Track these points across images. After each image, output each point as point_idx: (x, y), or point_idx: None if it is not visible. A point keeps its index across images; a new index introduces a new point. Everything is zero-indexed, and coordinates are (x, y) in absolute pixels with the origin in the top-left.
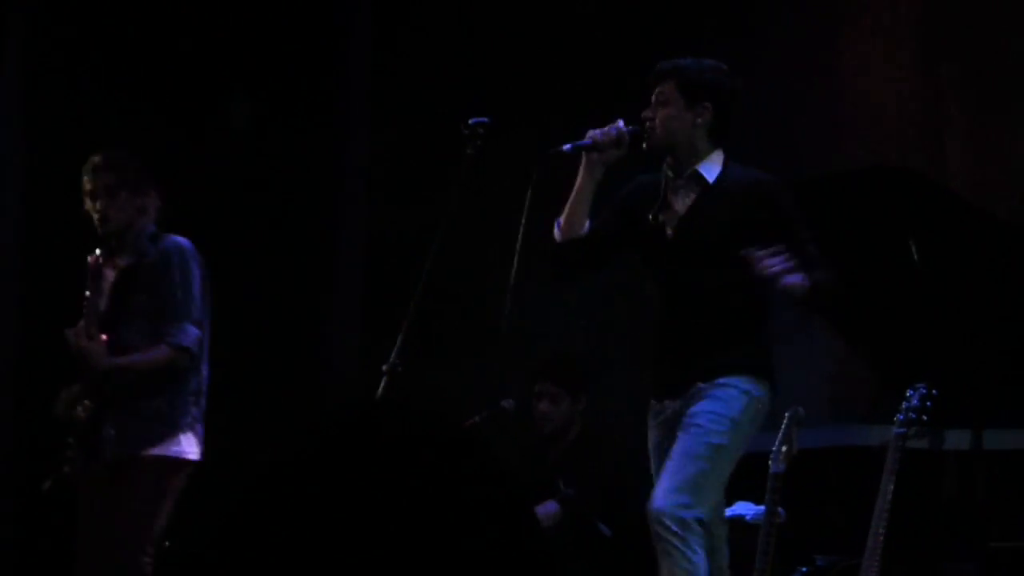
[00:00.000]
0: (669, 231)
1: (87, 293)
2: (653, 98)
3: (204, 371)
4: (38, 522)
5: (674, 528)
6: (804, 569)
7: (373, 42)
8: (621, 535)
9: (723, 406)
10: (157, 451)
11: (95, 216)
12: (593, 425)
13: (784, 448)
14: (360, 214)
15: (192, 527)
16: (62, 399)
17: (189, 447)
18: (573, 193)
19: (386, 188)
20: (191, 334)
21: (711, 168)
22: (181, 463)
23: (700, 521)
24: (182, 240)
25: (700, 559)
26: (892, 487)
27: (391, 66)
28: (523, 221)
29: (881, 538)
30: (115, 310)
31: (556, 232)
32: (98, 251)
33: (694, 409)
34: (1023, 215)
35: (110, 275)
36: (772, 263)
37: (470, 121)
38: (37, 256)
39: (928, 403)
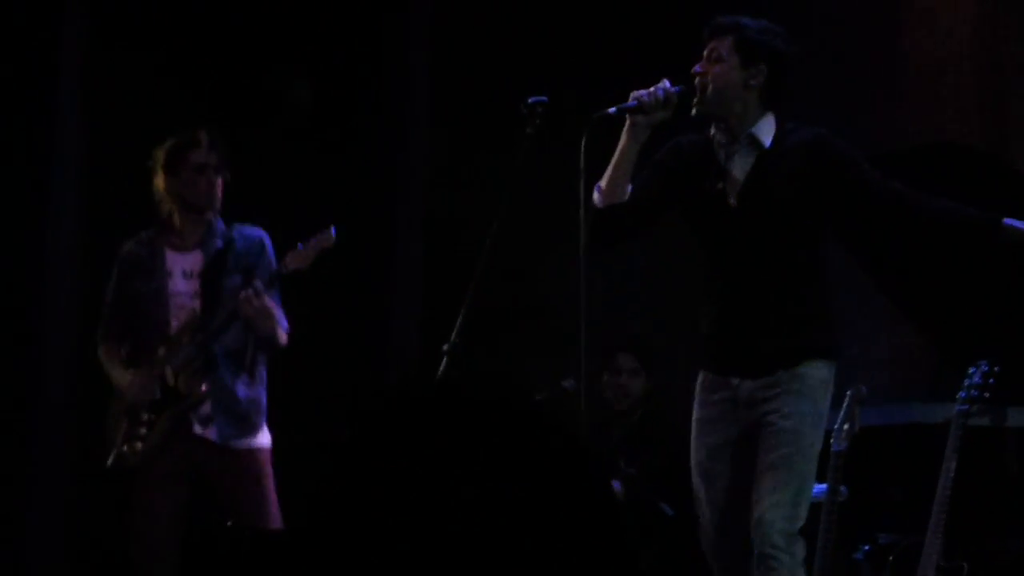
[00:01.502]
0: (732, 200)
1: (138, 279)
2: (706, 53)
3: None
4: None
5: (782, 543)
6: (867, 547)
7: (431, 22)
8: (683, 515)
9: (810, 404)
10: (261, 442)
11: (201, 188)
12: (655, 405)
13: (846, 426)
14: (419, 194)
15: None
16: (132, 383)
17: (268, 437)
18: (615, 156)
19: (445, 168)
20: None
21: (766, 131)
22: (268, 452)
23: (802, 528)
24: (259, 230)
25: (803, 572)
26: (954, 465)
27: (450, 45)
28: (582, 188)
29: (944, 516)
30: (208, 292)
31: (596, 197)
32: (140, 236)
33: (782, 407)
34: None
35: (179, 257)
36: None
37: (528, 100)
38: (96, 242)
39: (990, 380)
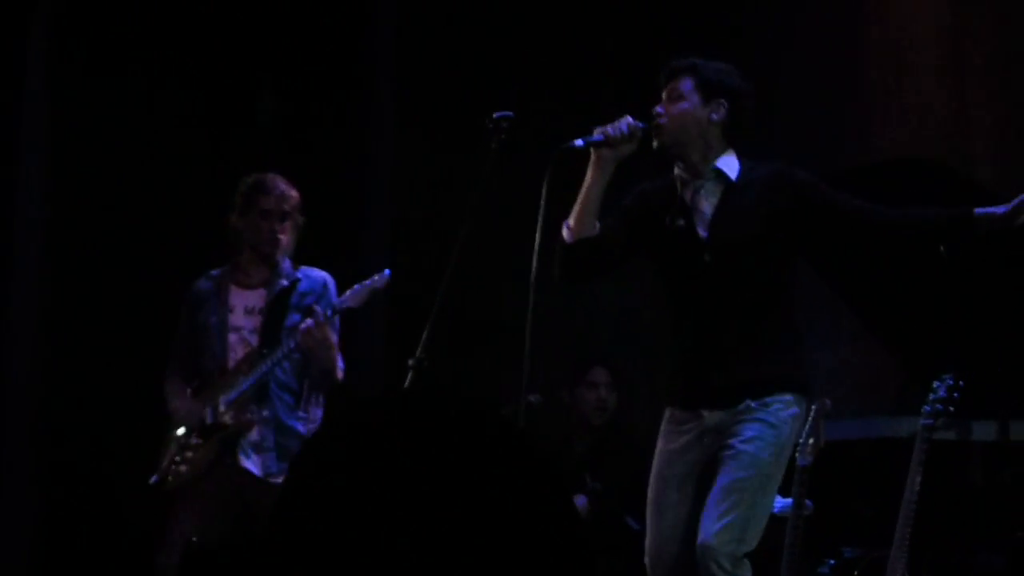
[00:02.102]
0: (702, 232)
1: (203, 312)
2: (665, 94)
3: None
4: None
5: (727, 565)
6: (832, 561)
7: (397, 36)
8: None
9: (773, 433)
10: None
11: (264, 234)
12: (620, 419)
13: (811, 440)
14: (385, 208)
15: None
16: (183, 407)
17: None
18: (582, 191)
19: (412, 181)
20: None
21: (730, 165)
22: None
23: (748, 554)
24: (325, 273)
25: None
26: (919, 478)
27: (416, 60)
28: (540, 219)
29: (909, 529)
30: (268, 328)
31: (565, 232)
32: (213, 273)
33: (744, 432)
34: None
35: (242, 294)
36: None
37: (494, 115)
38: (62, 255)
39: (955, 394)
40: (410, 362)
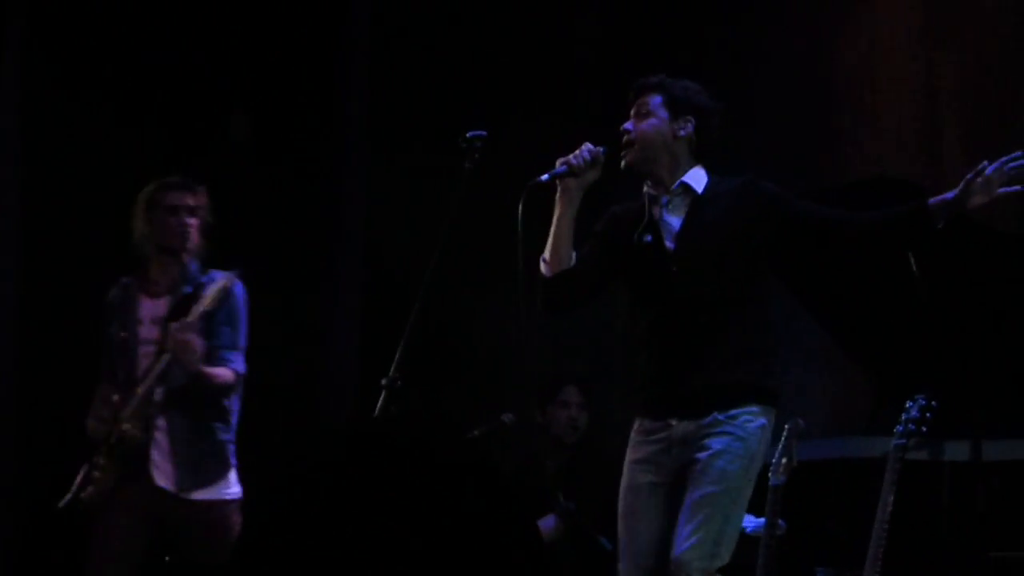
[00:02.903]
0: (669, 244)
1: (115, 324)
2: (633, 111)
3: (237, 411)
4: (42, 538)
5: None
6: None
7: (372, 55)
8: None
9: (741, 445)
10: (222, 494)
11: (173, 229)
12: (592, 438)
13: (784, 460)
14: (359, 228)
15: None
16: (96, 417)
17: (236, 486)
18: (554, 224)
19: (385, 201)
20: (244, 365)
21: (697, 179)
22: (234, 502)
23: (721, 569)
24: (233, 275)
25: None
26: (892, 498)
27: (390, 80)
28: (520, 255)
29: (881, 549)
30: (165, 338)
31: (543, 267)
32: (123, 281)
33: (712, 445)
34: (1021, 226)
35: (150, 303)
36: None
37: (467, 135)
38: (36, 268)
39: (927, 414)
40: (383, 382)
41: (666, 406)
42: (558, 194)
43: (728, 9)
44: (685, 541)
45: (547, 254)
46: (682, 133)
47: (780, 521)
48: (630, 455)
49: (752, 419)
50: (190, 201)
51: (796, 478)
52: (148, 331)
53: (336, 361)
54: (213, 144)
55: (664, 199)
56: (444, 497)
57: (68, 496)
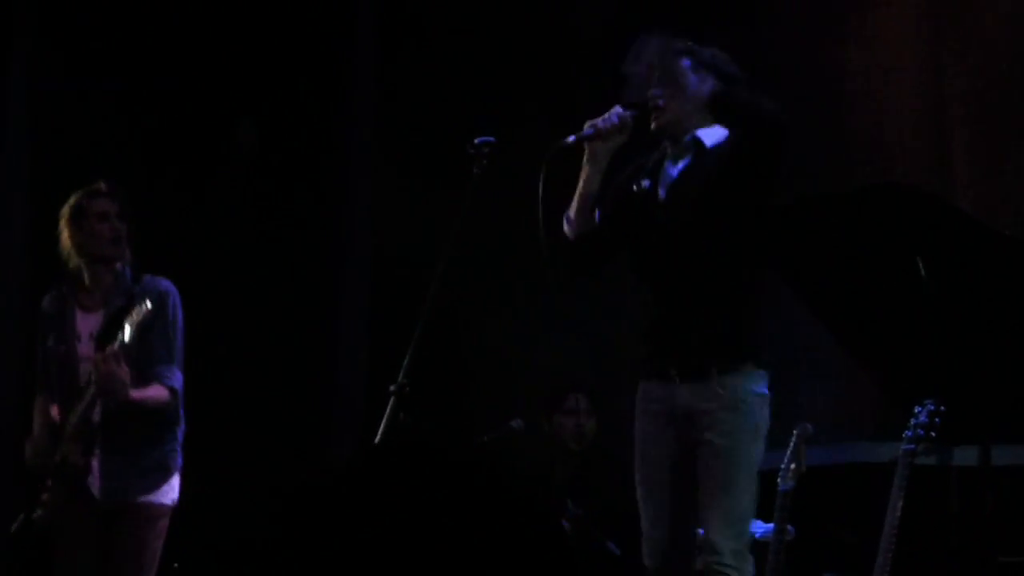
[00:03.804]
0: (661, 192)
1: (51, 337)
2: (656, 76)
3: (183, 417)
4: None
5: (732, 562)
6: None
7: (377, 63)
8: (631, 554)
9: (746, 418)
10: (156, 498)
11: (105, 236)
12: (602, 444)
13: (793, 466)
14: (366, 235)
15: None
16: (34, 444)
17: (177, 491)
18: (580, 185)
19: (393, 208)
20: (179, 378)
21: (711, 135)
22: (172, 508)
23: (749, 544)
24: (167, 282)
25: None
26: (901, 504)
27: (396, 87)
28: (540, 217)
29: (890, 554)
30: (103, 350)
31: (567, 228)
32: (54, 292)
33: (720, 425)
34: None
35: (86, 318)
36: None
37: (475, 140)
38: (41, 282)
39: (936, 419)
40: (391, 388)
41: (663, 359)
42: (585, 157)
43: (735, 14)
44: (712, 525)
45: (571, 212)
46: (705, 88)
47: (789, 527)
48: (638, 423)
49: (749, 386)
50: (116, 208)
51: (805, 483)
52: (86, 347)
53: (344, 368)
54: (220, 151)
55: (674, 151)
56: (460, 505)
57: (20, 518)
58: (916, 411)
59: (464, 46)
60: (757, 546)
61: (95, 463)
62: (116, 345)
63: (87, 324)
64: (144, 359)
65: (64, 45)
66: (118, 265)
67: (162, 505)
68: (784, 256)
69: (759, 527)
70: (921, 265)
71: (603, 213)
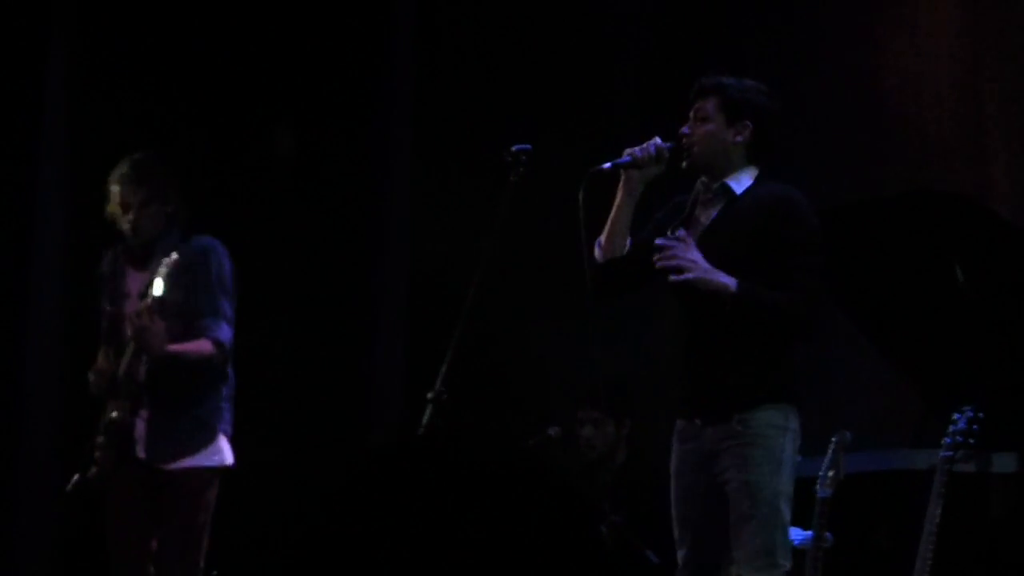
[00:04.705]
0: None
1: (105, 298)
2: (692, 113)
3: (232, 376)
4: (65, 522)
5: None
6: None
7: (416, 68)
8: (669, 562)
9: (763, 451)
10: (201, 461)
11: (126, 226)
12: (640, 450)
13: (831, 473)
14: (404, 243)
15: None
16: (97, 370)
17: (228, 454)
18: (612, 211)
19: (430, 216)
20: (227, 331)
21: (741, 181)
22: (221, 471)
23: (786, 572)
24: (211, 239)
25: None
26: (939, 511)
27: (434, 93)
28: (582, 239)
29: (929, 562)
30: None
31: (597, 252)
32: (111, 253)
33: (736, 460)
34: None
35: (136, 276)
36: (664, 256)
37: (512, 148)
38: (80, 271)
39: (975, 426)
40: (429, 396)
41: (689, 405)
42: (621, 183)
43: (771, 19)
44: (744, 561)
45: (603, 238)
46: (739, 139)
47: (827, 534)
48: (673, 459)
49: (768, 418)
50: (117, 198)
51: (843, 491)
52: (133, 305)
53: (382, 375)
54: (257, 157)
55: (706, 197)
56: (511, 506)
57: (75, 478)
58: (955, 418)
59: (502, 53)
60: (795, 554)
61: (140, 423)
62: (149, 300)
63: (136, 283)
64: (188, 313)
65: (102, 51)
66: (172, 226)
67: (208, 468)
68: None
69: (797, 534)
70: (959, 271)
71: (639, 247)
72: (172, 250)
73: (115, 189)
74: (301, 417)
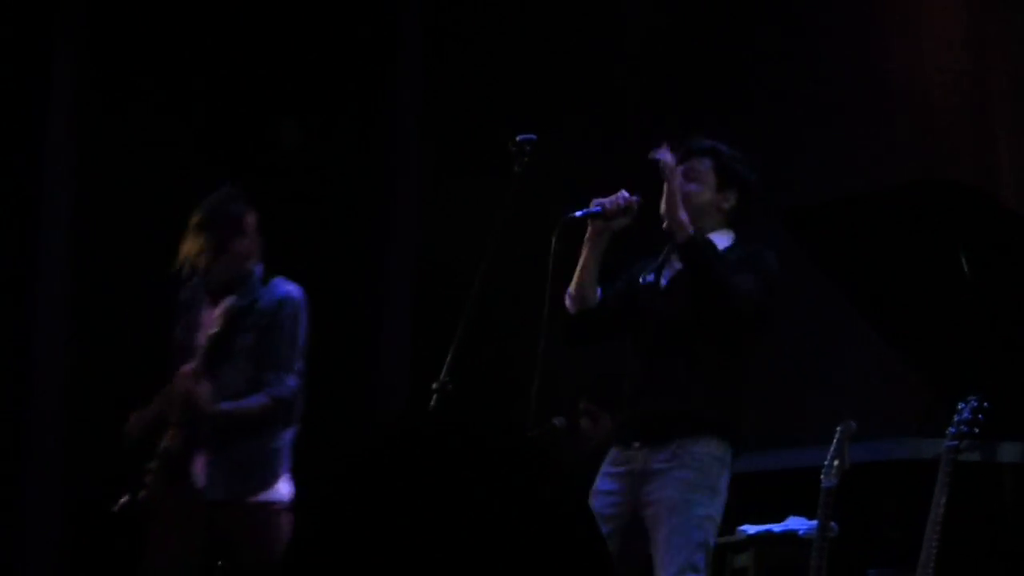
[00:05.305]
0: (664, 283)
1: (179, 327)
2: (682, 172)
3: (295, 424)
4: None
5: None
6: None
7: (423, 61)
8: None
9: (698, 475)
10: (264, 497)
11: (199, 268)
12: None
13: (836, 462)
14: (410, 232)
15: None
16: (139, 422)
17: (286, 491)
18: (580, 262)
19: (436, 206)
20: (290, 386)
21: (721, 240)
22: (279, 508)
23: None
24: (294, 288)
25: None
26: (944, 500)
27: (441, 84)
28: (548, 289)
29: (934, 551)
30: (220, 348)
31: (568, 303)
32: (192, 283)
33: (669, 481)
34: None
35: (211, 311)
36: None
37: (517, 138)
38: (87, 276)
39: (980, 415)
40: (434, 386)
41: (631, 429)
42: (587, 234)
43: (778, 9)
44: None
45: (572, 290)
46: (725, 206)
47: (832, 523)
48: (597, 484)
49: (707, 450)
50: (190, 244)
51: (848, 480)
52: (203, 338)
53: (387, 365)
54: (264, 150)
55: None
56: (506, 493)
57: (124, 499)
58: (960, 407)
59: (509, 44)
60: (801, 544)
61: (200, 454)
62: (199, 361)
63: (210, 317)
64: (257, 360)
65: (109, 46)
66: (250, 264)
67: (272, 503)
68: (828, 252)
69: (803, 524)
70: (964, 260)
71: (609, 298)
72: (249, 292)
73: (190, 235)
74: (307, 406)
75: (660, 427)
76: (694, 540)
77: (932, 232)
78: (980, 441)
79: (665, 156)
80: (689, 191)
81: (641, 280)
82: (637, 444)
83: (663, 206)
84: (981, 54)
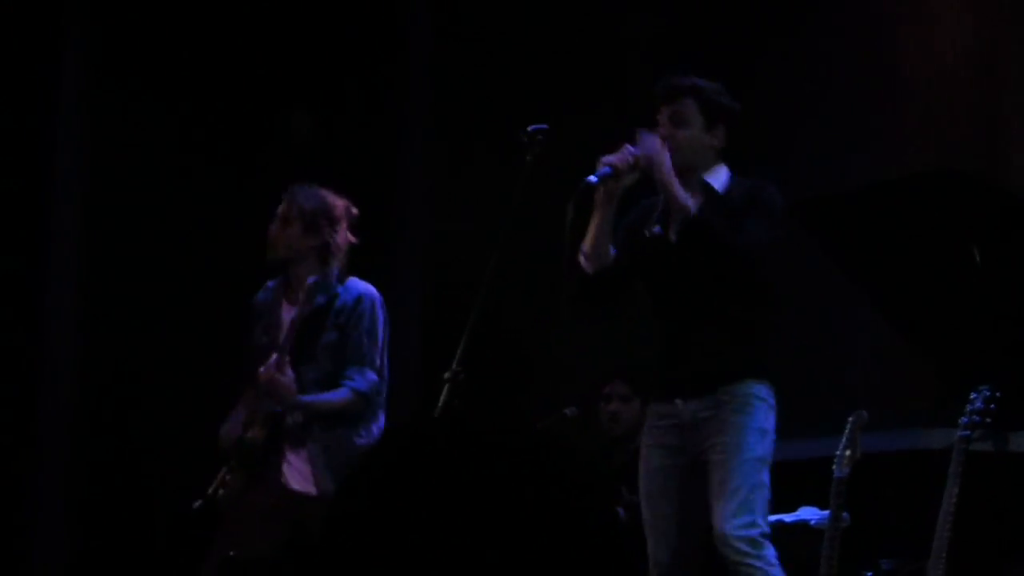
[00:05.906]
0: (672, 236)
1: (258, 329)
2: (667, 115)
3: (382, 419)
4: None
5: (748, 549)
6: (869, 573)
7: (433, 52)
8: None
9: (747, 417)
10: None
11: (270, 239)
12: None
13: (848, 452)
14: (421, 222)
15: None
16: (225, 431)
17: None
18: (594, 224)
19: (446, 195)
20: (370, 380)
21: (718, 178)
22: None
23: (767, 535)
24: (367, 287)
25: (779, 572)
26: (956, 490)
27: (451, 75)
28: (567, 249)
29: (946, 541)
30: (301, 346)
31: (584, 263)
32: (270, 284)
33: (722, 426)
34: None
35: (288, 310)
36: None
37: (529, 128)
38: (98, 269)
39: (992, 405)
40: (446, 375)
41: (670, 387)
42: (598, 195)
43: (787, 7)
44: (724, 516)
45: (587, 249)
46: (716, 143)
47: (844, 513)
48: (645, 439)
49: (751, 391)
50: (289, 211)
51: (860, 470)
52: (284, 336)
53: (399, 355)
54: (274, 143)
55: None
56: (517, 487)
57: (199, 502)
58: (971, 397)
59: (519, 34)
60: (812, 533)
61: (284, 449)
62: (282, 353)
63: (289, 315)
64: (340, 356)
65: (119, 40)
66: (326, 264)
67: None
68: (840, 243)
69: (815, 514)
70: (976, 251)
71: (617, 253)
72: (328, 291)
73: (284, 200)
74: None
75: (702, 379)
76: (749, 483)
77: (943, 223)
78: (992, 431)
79: (652, 144)
80: (682, 136)
81: (647, 232)
82: (680, 401)
83: (657, 177)
84: (992, 45)
